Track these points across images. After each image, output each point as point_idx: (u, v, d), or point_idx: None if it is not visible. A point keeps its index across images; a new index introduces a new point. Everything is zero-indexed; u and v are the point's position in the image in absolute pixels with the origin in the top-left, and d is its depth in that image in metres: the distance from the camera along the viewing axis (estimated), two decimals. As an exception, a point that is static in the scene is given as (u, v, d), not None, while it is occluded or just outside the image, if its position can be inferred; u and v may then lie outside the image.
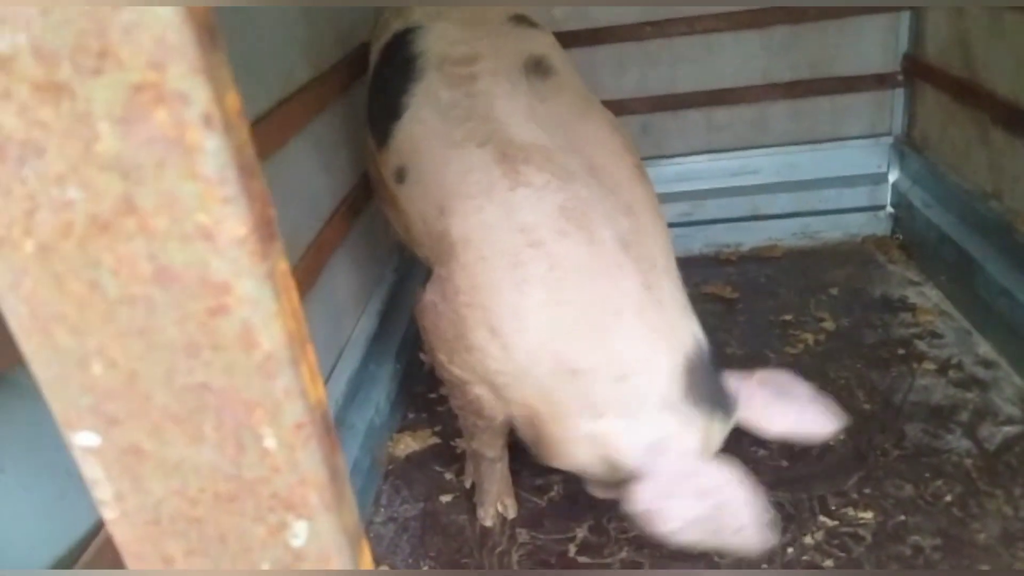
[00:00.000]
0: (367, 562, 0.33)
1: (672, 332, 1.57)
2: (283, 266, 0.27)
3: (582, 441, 1.60)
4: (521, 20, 2.08)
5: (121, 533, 0.31)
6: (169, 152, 0.24)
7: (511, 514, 2.11)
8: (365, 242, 2.56)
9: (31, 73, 0.23)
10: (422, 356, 2.69)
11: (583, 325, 1.56)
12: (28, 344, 0.27)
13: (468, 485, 2.22)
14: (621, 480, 1.55)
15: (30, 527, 1.12)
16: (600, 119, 1.83)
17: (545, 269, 1.58)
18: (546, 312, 1.57)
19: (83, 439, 0.29)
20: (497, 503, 2.11)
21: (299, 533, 0.31)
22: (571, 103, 1.83)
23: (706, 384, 1.55)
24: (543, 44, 1.97)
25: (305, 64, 2.13)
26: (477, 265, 1.64)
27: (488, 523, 2.11)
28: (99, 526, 1.22)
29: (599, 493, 2.04)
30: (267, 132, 1.79)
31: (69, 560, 1.15)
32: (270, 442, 0.29)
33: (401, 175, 1.88)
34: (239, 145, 0.24)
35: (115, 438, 0.29)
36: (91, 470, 0.30)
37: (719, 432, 1.56)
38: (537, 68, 1.85)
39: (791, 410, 1.58)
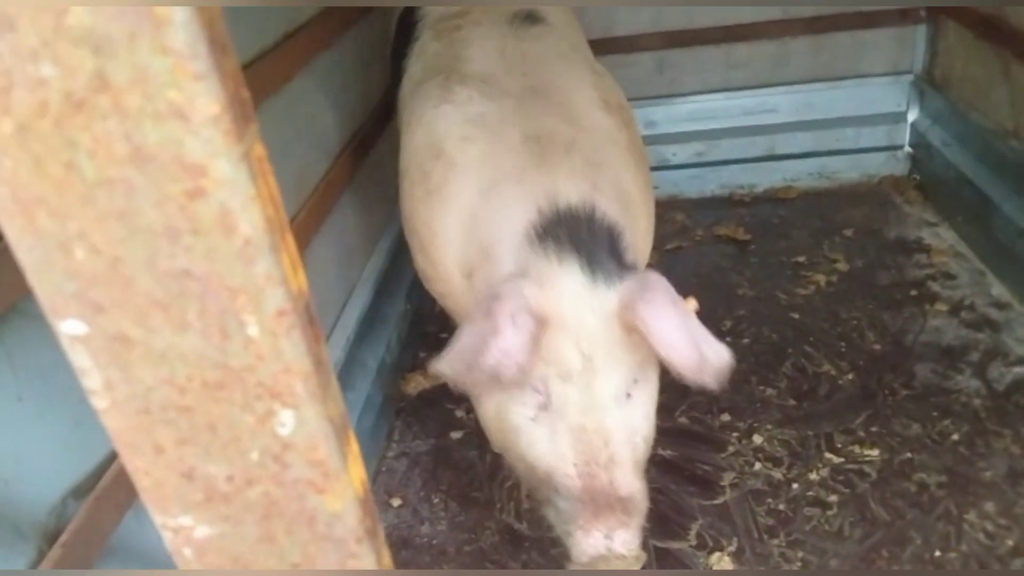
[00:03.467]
0: (354, 452, 0.34)
1: (541, 190, 1.41)
2: (260, 150, 0.27)
3: None
4: None
5: (113, 422, 0.32)
6: (140, 25, 0.24)
7: None
8: (375, 181, 2.55)
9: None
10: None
11: (468, 219, 1.50)
12: (11, 228, 0.27)
13: None
14: None
15: (47, 455, 1.14)
16: (578, 60, 1.81)
17: (441, 176, 1.55)
18: (445, 222, 1.54)
19: (70, 327, 0.30)
20: None
21: (286, 422, 0.31)
22: (550, 46, 1.81)
23: (566, 236, 1.36)
24: (543, 3, 1.95)
25: (311, -1, 2.10)
26: (407, 191, 1.66)
27: None
28: (113, 456, 1.24)
29: None
30: (272, 67, 1.77)
31: (85, 488, 1.18)
32: (253, 329, 0.29)
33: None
34: (210, 19, 0.24)
35: (102, 325, 0.29)
36: (80, 358, 0.30)
37: (578, 287, 1.32)
38: (527, 16, 1.85)
39: (689, 324, 1.29)
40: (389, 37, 2.25)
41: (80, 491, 1.18)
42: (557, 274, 1.33)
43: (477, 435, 2.25)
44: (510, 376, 1.23)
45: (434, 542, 1.94)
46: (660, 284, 1.29)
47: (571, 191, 1.41)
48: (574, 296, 1.31)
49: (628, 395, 1.36)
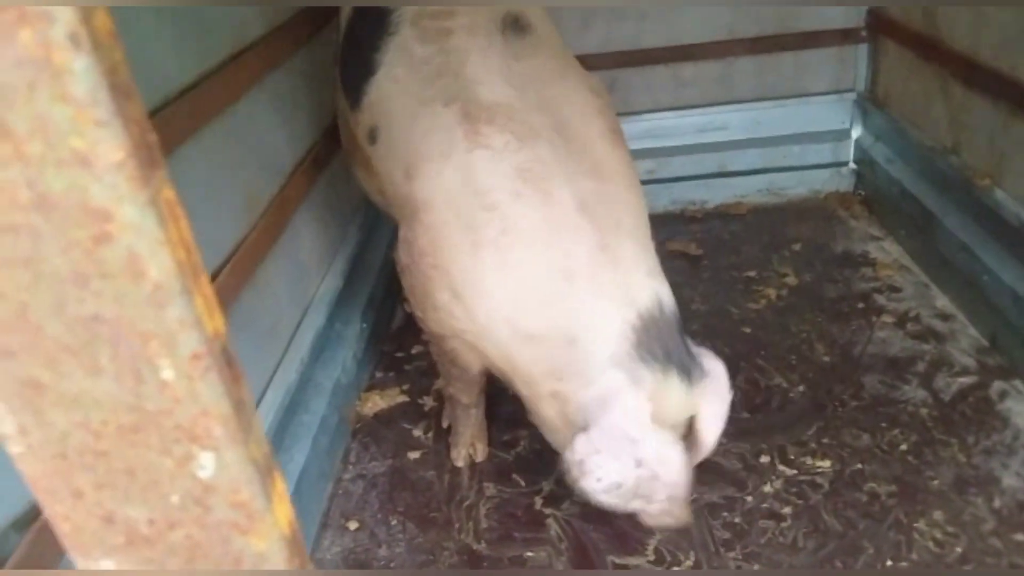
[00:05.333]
0: (279, 492, 0.34)
1: (625, 291, 1.54)
2: (169, 194, 0.27)
3: (547, 400, 1.61)
4: None
5: (29, 468, 0.32)
6: (38, 74, 0.23)
7: (480, 457, 2.16)
8: (329, 199, 2.54)
9: None
10: (405, 307, 2.69)
11: (535, 289, 1.55)
12: (-88, 278, 0.27)
13: (445, 426, 2.25)
14: None
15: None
16: (577, 80, 1.80)
17: (498, 232, 1.56)
18: (500, 276, 1.56)
19: (-21, 373, 0.29)
20: (468, 446, 2.15)
21: (206, 464, 0.31)
22: (547, 62, 1.79)
23: (661, 344, 1.51)
24: (523, 2, 1.93)
25: (259, 18, 2.08)
26: (438, 228, 1.63)
27: (459, 463, 2.15)
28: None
29: None
30: (221, 86, 1.76)
31: (27, 519, 1.15)
32: (168, 373, 0.29)
33: (374, 135, 1.86)
34: (111, 66, 0.24)
35: (12, 371, 0.29)
36: (-9, 405, 0.30)
37: (678, 396, 1.52)
38: (515, 25, 1.80)
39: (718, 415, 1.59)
40: (341, 23, 2.15)
41: (21, 523, 1.14)
42: (664, 386, 1.49)
43: (434, 455, 2.24)
44: (686, 500, 1.48)
45: (392, 565, 1.92)
46: (726, 386, 1.56)
47: (641, 293, 1.55)
48: (679, 402, 1.51)
49: None
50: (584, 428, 1.45)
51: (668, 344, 1.51)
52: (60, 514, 0.33)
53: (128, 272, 0.26)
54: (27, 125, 0.24)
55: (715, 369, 1.55)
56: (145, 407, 0.30)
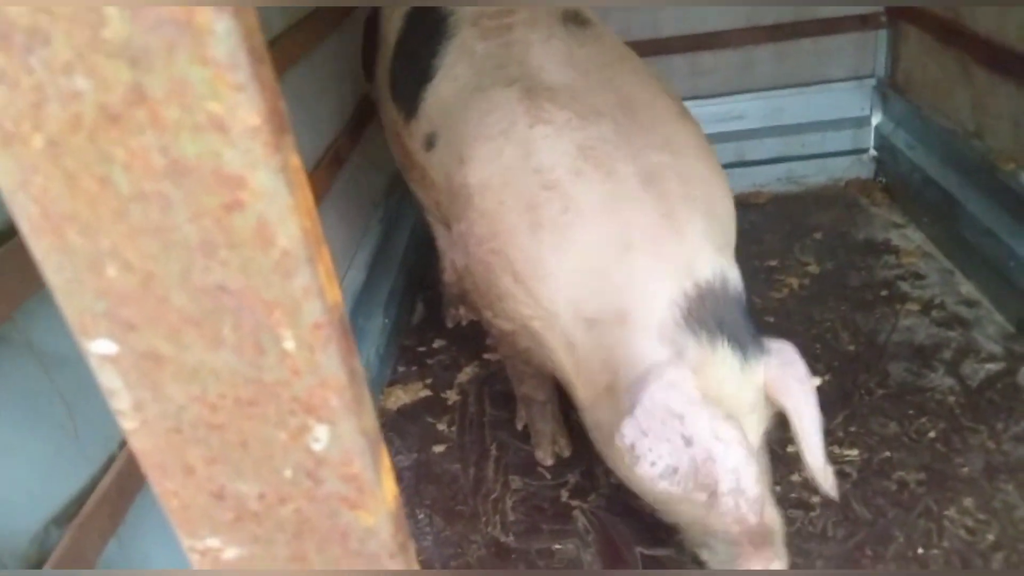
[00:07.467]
0: (387, 466, 0.33)
1: (685, 262, 1.43)
2: (296, 161, 0.27)
3: (603, 400, 1.50)
4: None
5: (141, 443, 0.31)
6: (179, 36, 0.23)
7: (566, 453, 2.15)
8: (351, 193, 2.54)
9: (31, -40, 0.23)
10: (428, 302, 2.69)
11: (594, 269, 1.47)
12: (39, 247, 0.27)
13: (520, 427, 2.24)
14: None
15: (28, 482, 1.12)
16: (639, 63, 1.78)
17: (558, 211, 1.50)
18: (560, 257, 1.49)
19: (99, 347, 0.29)
20: (552, 443, 2.14)
21: (320, 437, 0.31)
22: (609, 49, 1.77)
23: (715, 316, 1.39)
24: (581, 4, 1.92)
25: (279, 14, 2.08)
26: (496, 211, 1.57)
27: (548, 462, 2.14)
28: (94, 482, 1.22)
29: None
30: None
31: (68, 515, 1.16)
32: (289, 344, 0.29)
33: (431, 140, 1.81)
34: (249, 28, 0.24)
35: (132, 344, 0.29)
36: (109, 379, 0.30)
37: (727, 370, 1.38)
38: (575, 18, 1.80)
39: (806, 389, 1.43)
40: (386, 36, 2.12)
41: (62, 519, 1.15)
42: (712, 359, 1.37)
43: (459, 448, 2.24)
44: (759, 498, 1.31)
45: (420, 558, 1.93)
46: (800, 362, 1.41)
47: (704, 265, 1.44)
48: (730, 378, 1.38)
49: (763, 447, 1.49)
50: (630, 411, 1.34)
51: (723, 316, 1.40)
52: (169, 490, 0.32)
53: (257, 240, 0.26)
54: (164, 88, 0.24)
55: (783, 349, 1.42)
56: (264, 379, 0.29)
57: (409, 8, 2.03)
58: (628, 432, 1.31)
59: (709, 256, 1.46)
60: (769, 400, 1.42)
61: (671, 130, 1.62)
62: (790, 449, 2.05)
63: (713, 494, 1.30)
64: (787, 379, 1.40)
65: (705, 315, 1.39)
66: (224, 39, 0.23)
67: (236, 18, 0.23)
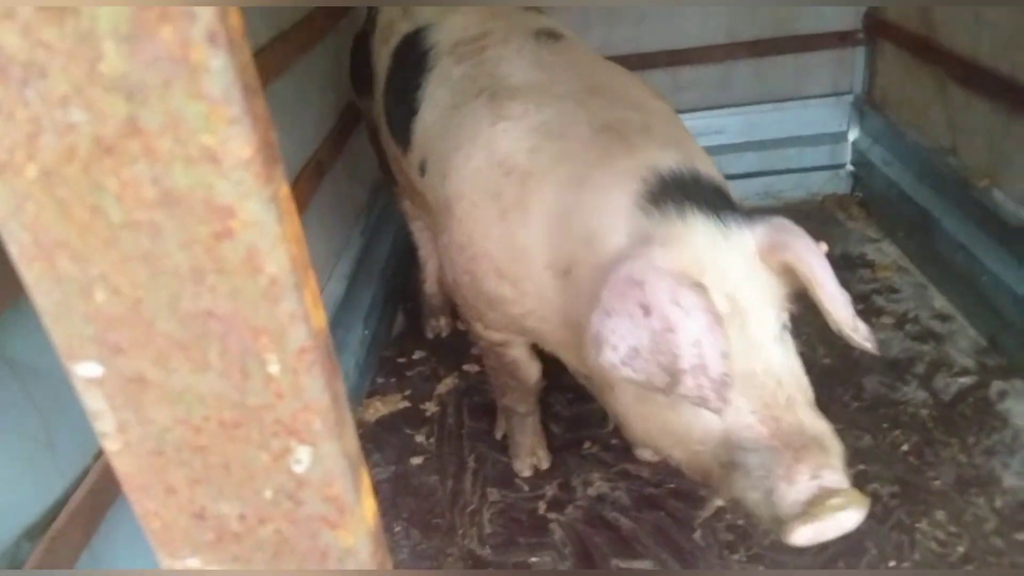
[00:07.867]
0: (367, 488, 0.34)
1: (635, 165, 1.35)
2: (285, 190, 0.27)
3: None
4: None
5: (123, 465, 0.32)
6: (175, 71, 0.24)
7: (544, 465, 2.15)
8: (332, 204, 2.54)
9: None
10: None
11: (557, 220, 1.44)
12: (29, 272, 0.27)
13: (499, 437, 2.24)
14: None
15: (1, 494, 1.10)
16: (617, 65, 1.81)
17: (517, 189, 1.50)
18: (529, 231, 1.48)
19: (85, 370, 0.29)
20: (531, 455, 2.14)
21: (302, 459, 0.31)
22: (584, 55, 1.81)
23: (681, 191, 1.29)
24: (557, 25, 1.95)
25: (264, 24, 2.08)
26: (469, 213, 1.58)
27: (525, 473, 2.13)
28: (69, 493, 1.21)
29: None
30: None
31: (39, 529, 1.14)
32: (274, 368, 0.29)
33: (423, 167, 1.84)
34: (243, 64, 0.24)
35: (118, 367, 0.29)
36: (93, 401, 0.30)
37: (711, 240, 1.25)
38: (549, 33, 1.83)
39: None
40: (377, 70, 2.15)
41: (34, 532, 1.14)
42: (684, 230, 1.25)
43: (437, 460, 2.23)
44: (724, 378, 1.12)
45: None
46: (800, 229, 1.26)
47: (667, 158, 1.34)
48: (709, 244, 1.24)
49: (782, 338, 1.30)
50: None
51: (690, 191, 1.29)
52: (150, 511, 0.33)
53: (246, 267, 0.27)
54: (159, 122, 0.24)
55: (780, 220, 1.29)
56: (248, 402, 0.30)
57: (395, 44, 2.07)
58: (595, 319, 1.18)
59: (673, 154, 1.37)
60: (780, 276, 1.29)
61: (645, 101, 1.63)
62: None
63: (675, 374, 1.13)
64: (789, 241, 1.26)
65: (669, 192, 1.29)
66: (219, 76, 0.24)
67: (231, 54, 0.24)
